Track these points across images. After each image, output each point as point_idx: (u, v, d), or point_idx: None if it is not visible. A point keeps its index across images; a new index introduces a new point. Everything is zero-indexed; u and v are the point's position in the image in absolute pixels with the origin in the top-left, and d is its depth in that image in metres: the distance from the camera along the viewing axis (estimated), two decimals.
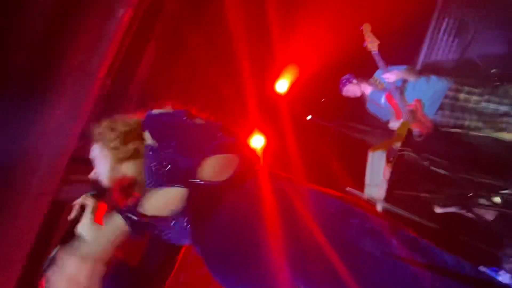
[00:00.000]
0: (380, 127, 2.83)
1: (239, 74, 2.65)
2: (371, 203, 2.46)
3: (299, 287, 0.80)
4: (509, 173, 2.32)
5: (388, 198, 2.43)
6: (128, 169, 1.03)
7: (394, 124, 2.63)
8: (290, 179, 0.96)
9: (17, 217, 1.96)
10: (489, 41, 2.78)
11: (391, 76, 2.48)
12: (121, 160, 1.02)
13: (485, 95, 2.31)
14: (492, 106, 2.30)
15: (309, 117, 3.15)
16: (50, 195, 1.96)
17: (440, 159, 2.38)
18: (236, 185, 0.91)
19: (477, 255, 2.17)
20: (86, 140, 1.14)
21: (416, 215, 2.44)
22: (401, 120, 2.53)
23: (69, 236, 0.92)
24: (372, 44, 2.42)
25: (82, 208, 0.96)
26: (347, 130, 2.80)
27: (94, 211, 0.95)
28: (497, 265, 2.16)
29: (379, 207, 2.52)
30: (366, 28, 2.47)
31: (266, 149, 3.07)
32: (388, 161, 2.20)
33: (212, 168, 0.87)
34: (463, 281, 0.68)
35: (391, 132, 2.63)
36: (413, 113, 2.52)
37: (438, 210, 2.54)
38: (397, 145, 2.19)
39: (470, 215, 2.28)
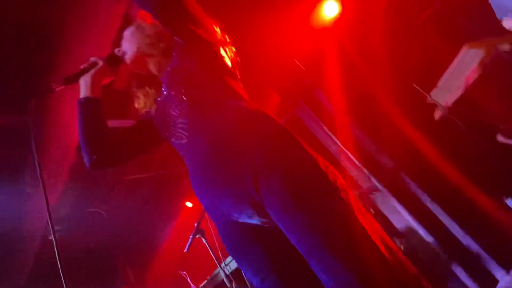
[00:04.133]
0: (486, 27, 2.26)
1: None
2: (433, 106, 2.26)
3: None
4: None
5: (454, 107, 2.20)
6: (151, 64, 1.09)
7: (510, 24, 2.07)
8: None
9: (95, 22, 2.03)
10: None
11: None
12: (149, 55, 1.08)
13: None
14: None
15: None
16: (124, 3, 1.98)
17: None
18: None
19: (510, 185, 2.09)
20: None
21: (475, 134, 2.25)
22: None
23: (72, 79, 1.09)
24: None
25: (94, 64, 1.11)
26: (446, 18, 2.27)
27: (99, 74, 1.10)
28: None
29: (438, 114, 2.33)
30: None
31: (340, 19, 2.66)
32: (482, 63, 1.85)
33: None
34: None
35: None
36: None
37: (501, 138, 2.31)
38: (505, 47, 1.78)
39: None
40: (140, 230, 4.25)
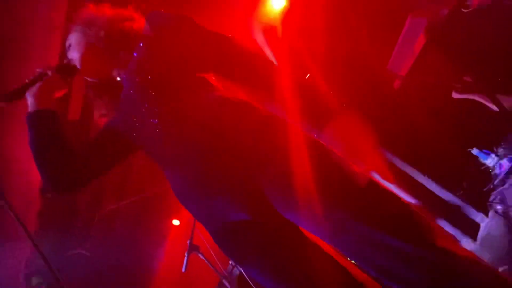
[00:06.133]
0: None
1: None
2: None
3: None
4: None
5: (410, 74, 2.35)
6: (108, 63, 0.98)
7: None
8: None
9: (31, 49, 1.96)
10: None
11: None
12: (104, 51, 0.97)
13: None
14: None
15: None
16: (59, 29, 1.92)
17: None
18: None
19: (477, 136, 2.27)
20: None
21: (433, 98, 2.40)
22: None
23: (15, 94, 0.94)
24: None
25: (41, 76, 0.96)
26: None
27: (49, 85, 0.95)
28: (491, 149, 2.29)
29: (397, 83, 2.46)
30: None
31: (287, 14, 2.69)
32: (427, 30, 1.99)
33: None
34: None
35: None
36: None
37: (456, 95, 2.50)
38: (444, 11, 1.92)
39: (486, 101, 2.25)
40: (130, 259, 4.09)
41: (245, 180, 0.81)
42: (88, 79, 1.02)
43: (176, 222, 4.11)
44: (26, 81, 0.95)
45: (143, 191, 3.68)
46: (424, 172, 2.36)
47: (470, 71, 2.32)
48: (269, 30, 2.47)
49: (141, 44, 0.93)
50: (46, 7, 1.96)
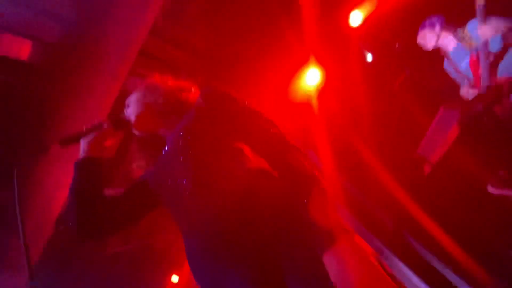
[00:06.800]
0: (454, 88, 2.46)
1: None
2: None
3: None
4: None
5: (441, 162, 2.29)
6: (159, 124, 1.08)
7: (466, 92, 2.23)
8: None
9: (92, 96, 2.10)
10: None
11: (487, 31, 1.85)
12: (159, 115, 1.08)
13: None
14: None
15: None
16: (120, 81, 2.06)
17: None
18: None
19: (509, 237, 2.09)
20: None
21: (465, 190, 2.31)
22: (477, 92, 2.13)
23: (72, 138, 1.05)
24: None
25: (98, 126, 1.06)
26: (419, 80, 2.47)
27: (103, 136, 1.05)
28: None
29: (427, 169, 2.40)
30: None
31: (323, 86, 2.76)
32: (460, 122, 1.97)
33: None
34: None
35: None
36: (495, 90, 2.09)
37: (491, 189, 2.38)
38: (479, 106, 1.92)
39: None
40: None
41: (266, 262, 0.79)
42: (137, 133, 1.13)
43: (175, 278, 3.91)
44: (84, 129, 1.06)
45: (149, 238, 3.62)
46: (455, 270, 2.17)
47: (505, 166, 2.23)
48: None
49: (191, 112, 1.03)
50: (114, 58, 2.05)
